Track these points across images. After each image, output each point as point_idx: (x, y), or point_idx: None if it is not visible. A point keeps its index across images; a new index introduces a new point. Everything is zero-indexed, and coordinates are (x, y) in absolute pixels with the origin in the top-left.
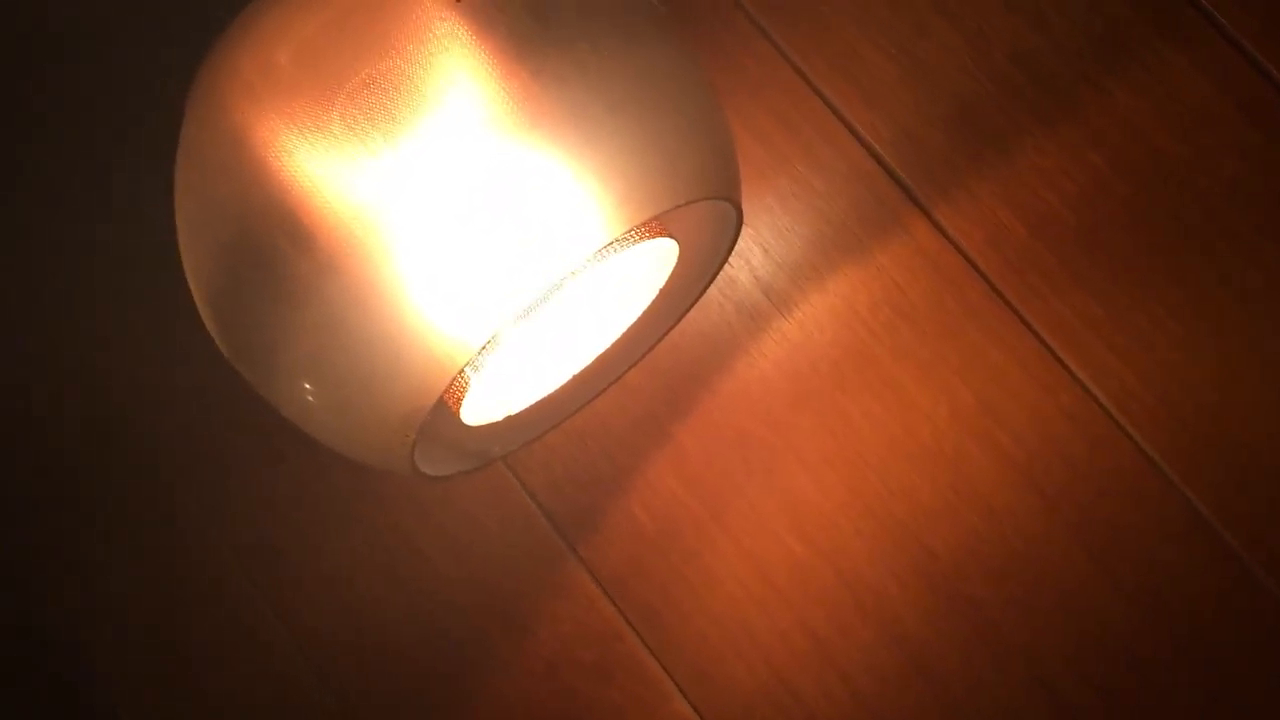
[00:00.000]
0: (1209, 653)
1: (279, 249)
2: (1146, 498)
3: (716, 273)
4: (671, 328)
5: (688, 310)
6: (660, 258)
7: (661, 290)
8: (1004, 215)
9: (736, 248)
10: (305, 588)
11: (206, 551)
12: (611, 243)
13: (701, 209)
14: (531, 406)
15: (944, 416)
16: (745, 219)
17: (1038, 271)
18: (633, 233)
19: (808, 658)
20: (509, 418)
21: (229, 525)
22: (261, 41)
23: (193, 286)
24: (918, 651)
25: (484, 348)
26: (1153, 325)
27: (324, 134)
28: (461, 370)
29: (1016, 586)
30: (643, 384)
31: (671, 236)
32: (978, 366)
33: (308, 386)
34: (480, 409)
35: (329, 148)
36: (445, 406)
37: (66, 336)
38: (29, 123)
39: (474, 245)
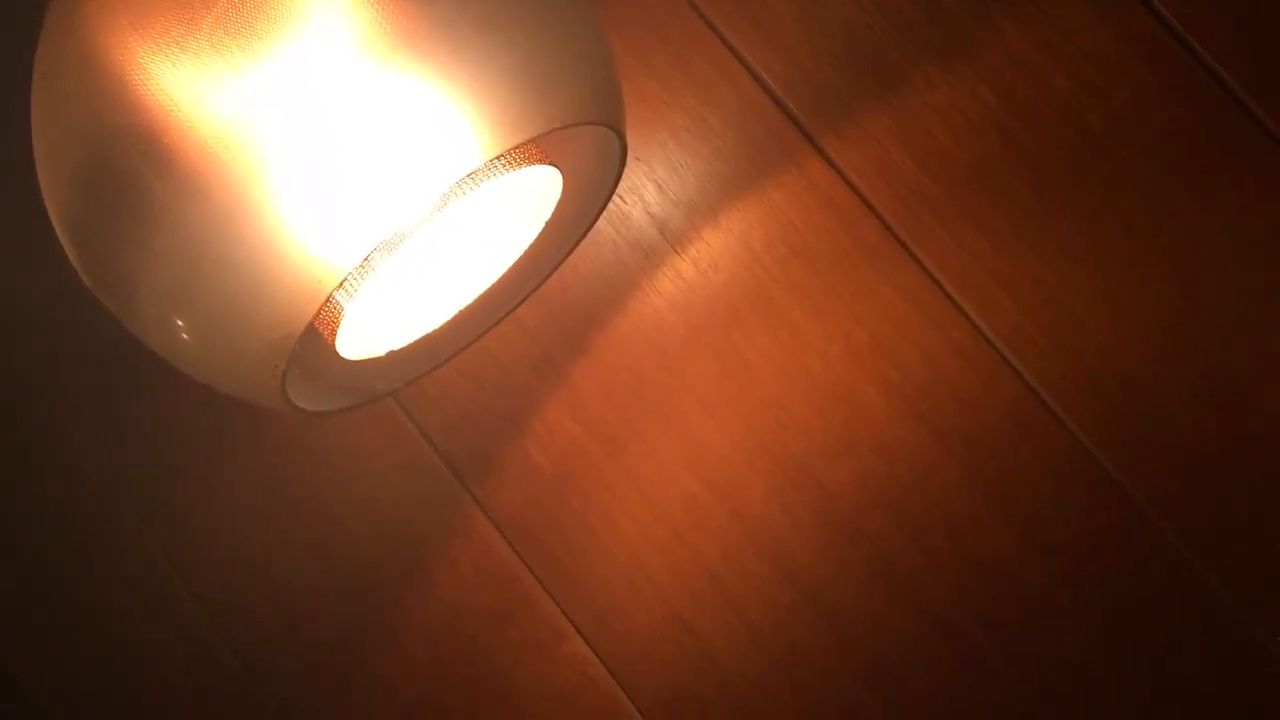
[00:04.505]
0: (1094, 583)
1: (135, 171)
2: (1033, 431)
3: (604, 206)
4: (560, 263)
5: (576, 245)
6: (545, 189)
7: (548, 223)
8: (894, 150)
9: (630, 184)
10: (199, 542)
11: (97, 500)
12: (486, 165)
13: (585, 138)
14: (416, 342)
15: (837, 354)
16: (640, 155)
17: (927, 207)
18: (510, 157)
19: (704, 596)
20: (392, 353)
21: (115, 469)
22: None
23: (50, 212)
24: (812, 587)
25: (354, 272)
26: (1040, 260)
27: (183, 50)
28: (331, 296)
29: (908, 521)
30: (537, 323)
31: (554, 165)
32: (871, 303)
33: (171, 316)
34: (361, 343)
35: (189, 65)
36: (321, 339)
37: None
38: None
39: (340, 165)
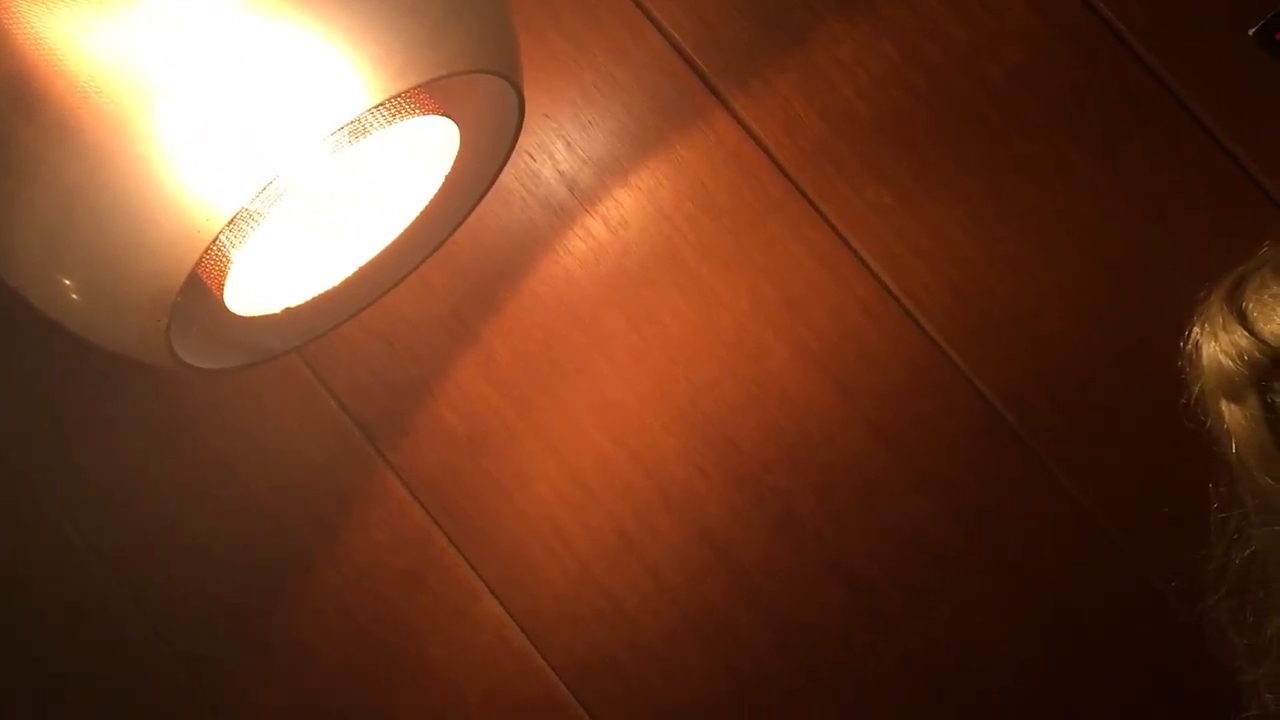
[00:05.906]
0: (998, 535)
1: (2, 117)
2: (938, 386)
3: (504, 162)
4: (462, 220)
5: (478, 202)
6: (443, 143)
7: (447, 179)
8: (799, 106)
9: (538, 141)
10: (92, 493)
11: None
12: (373, 111)
13: (482, 89)
14: (316, 300)
15: (746, 311)
16: (548, 112)
17: (831, 162)
18: (398, 105)
19: (616, 554)
20: (289, 311)
21: (22, 442)
22: None
23: None
24: (722, 543)
25: (239, 218)
26: (943, 214)
27: None
28: (217, 245)
29: (816, 476)
30: (447, 284)
31: (449, 117)
32: (779, 260)
33: (49, 270)
34: (257, 301)
35: (60, 5)
36: (209, 294)
37: None
38: None
39: (219, 108)
